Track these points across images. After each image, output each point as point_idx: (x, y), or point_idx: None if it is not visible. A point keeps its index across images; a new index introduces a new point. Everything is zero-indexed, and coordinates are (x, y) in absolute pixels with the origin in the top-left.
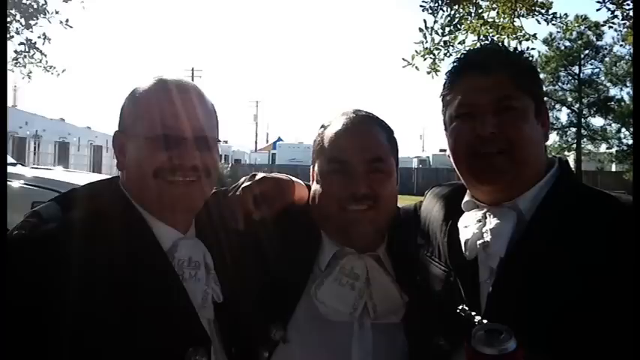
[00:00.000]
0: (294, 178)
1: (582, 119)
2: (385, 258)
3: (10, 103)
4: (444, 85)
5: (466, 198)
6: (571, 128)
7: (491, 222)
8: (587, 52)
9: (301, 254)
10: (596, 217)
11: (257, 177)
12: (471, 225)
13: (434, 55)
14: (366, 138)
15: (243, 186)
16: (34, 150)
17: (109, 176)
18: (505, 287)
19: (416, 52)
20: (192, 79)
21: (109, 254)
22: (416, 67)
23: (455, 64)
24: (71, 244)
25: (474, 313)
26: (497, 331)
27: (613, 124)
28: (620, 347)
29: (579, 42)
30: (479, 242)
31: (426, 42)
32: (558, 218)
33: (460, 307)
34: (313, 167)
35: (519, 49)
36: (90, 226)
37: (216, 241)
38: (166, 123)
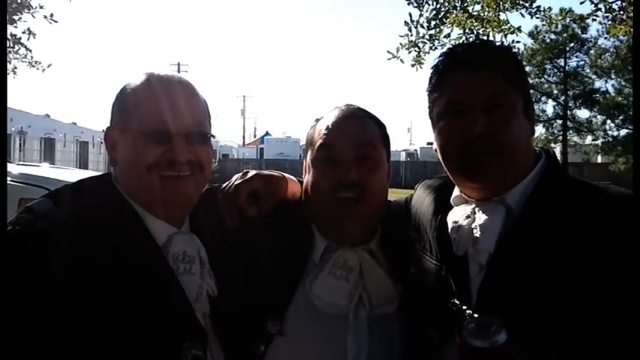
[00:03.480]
0: (287, 175)
1: (568, 111)
2: (378, 251)
3: None
4: (431, 80)
5: (455, 193)
6: (557, 120)
7: (480, 217)
8: (572, 44)
9: (295, 249)
10: (585, 209)
11: (250, 174)
12: (460, 220)
13: (419, 48)
14: (355, 124)
15: (236, 183)
16: (20, 147)
17: (96, 172)
18: (495, 282)
19: (401, 44)
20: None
21: (103, 250)
22: (401, 60)
23: (441, 59)
24: (65, 239)
25: (464, 307)
26: (488, 324)
27: (598, 116)
28: (611, 340)
29: (564, 35)
30: (468, 238)
31: (412, 35)
32: (547, 212)
33: (451, 301)
34: (305, 159)
35: (505, 43)
36: (83, 222)
37: (211, 237)
38: (159, 118)
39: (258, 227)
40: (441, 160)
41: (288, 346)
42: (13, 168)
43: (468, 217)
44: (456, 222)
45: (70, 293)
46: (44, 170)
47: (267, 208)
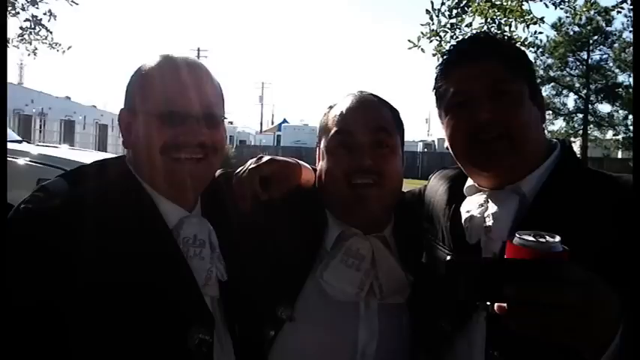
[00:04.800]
0: (301, 162)
1: (589, 105)
2: (391, 239)
3: (16, 80)
4: (436, 78)
5: (468, 183)
6: (578, 114)
7: (493, 206)
8: (596, 37)
9: (307, 235)
10: (600, 199)
11: (264, 159)
12: (473, 209)
13: (440, 37)
14: (370, 110)
15: (250, 167)
16: (40, 128)
17: (115, 155)
18: None
19: (422, 33)
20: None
21: (114, 230)
22: (422, 50)
23: (445, 56)
24: (77, 219)
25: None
26: (542, 235)
27: (620, 111)
28: (627, 330)
29: (588, 27)
30: (481, 227)
31: (433, 24)
32: (561, 201)
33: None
34: (319, 146)
35: (527, 33)
36: (96, 202)
37: (222, 221)
38: (172, 100)
39: (270, 213)
40: (452, 152)
41: (299, 332)
42: (32, 149)
43: (480, 205)
44: (468, 211)
45: (78, 272)
46: (63, 152)
47: (280, 193)
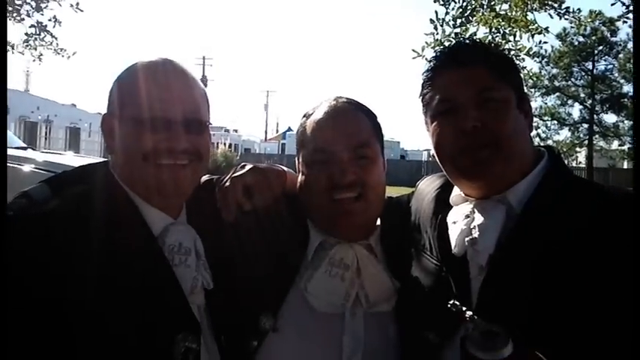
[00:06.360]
0: (285, 168)
1: (595, 115)
2: (378, 246)
3: (22, 87)
4: (422, 84)
5: (455, 192)
6: (583, 124)
7: (480, 217)
8: (600, 48)
9: (291, 244)
10: (587, 210)
11: (247, 167)
12: (459, 221)
13: (444, 46)
14: (349, 125)
15: (233, 177)
16: (46, 135)
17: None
18: (495, 283)
19: (426, 43)
20: (204, 68)
21: (98, 238)
22: (426, 59)
23: (430, 62)
24: (59, 226)
25: (464, 308)
26: (494, 335)
27: (626, 121)
28: (616, 342)
29: (593, 38)
30: (467, 239)
31: (437, 33)
32: (548, 211)
33: (451, 302)
34: (298, 157)
35: (532, 43)
36: (80, 209)
37: (208, 228)
38: (155, 105)
39: (254, 221)
40: (438, 161)
41: (282, 342)
42: (37, 155)
43: (467, 216)
44: (455, 222)
45: (62, 280)
46: (68, 159)
47: (262, 202)
